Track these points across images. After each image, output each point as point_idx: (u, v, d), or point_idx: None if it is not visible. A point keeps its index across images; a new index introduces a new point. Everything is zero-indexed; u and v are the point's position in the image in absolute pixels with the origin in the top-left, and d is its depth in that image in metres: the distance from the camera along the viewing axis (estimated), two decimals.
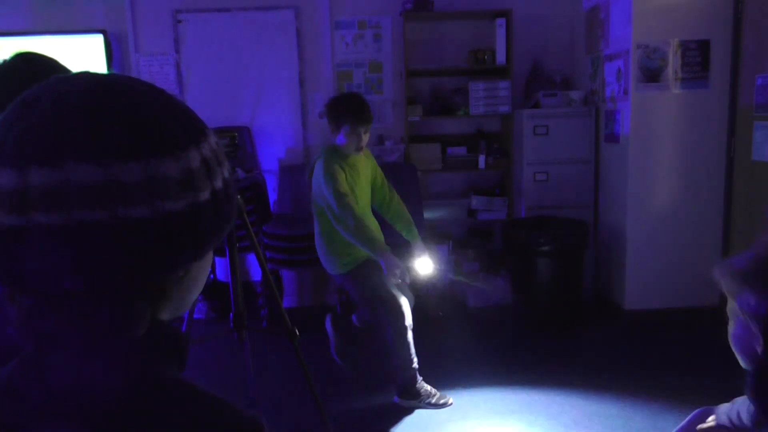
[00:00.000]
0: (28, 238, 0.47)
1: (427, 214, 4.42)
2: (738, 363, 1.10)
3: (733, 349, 1.11)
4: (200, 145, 0.54)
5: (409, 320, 2.78)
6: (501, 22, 4.31)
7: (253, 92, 4.53)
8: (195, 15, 4.44)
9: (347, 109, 2.76)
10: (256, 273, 4.54)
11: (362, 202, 2.86)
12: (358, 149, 2.79)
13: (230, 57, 4.49)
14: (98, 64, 4.17)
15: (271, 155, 4.61)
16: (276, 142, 4.60)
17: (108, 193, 0.47)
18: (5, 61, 1.22)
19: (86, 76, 0.53)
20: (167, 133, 0.51)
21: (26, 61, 1.23)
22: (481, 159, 4.50)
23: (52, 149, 0.47)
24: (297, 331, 2.33)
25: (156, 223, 0.49)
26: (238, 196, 2.18)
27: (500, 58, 4.35)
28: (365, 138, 2.79)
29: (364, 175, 2.92)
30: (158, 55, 4.46)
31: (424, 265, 2.91)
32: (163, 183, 0.49)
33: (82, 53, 4.16)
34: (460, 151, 4.58)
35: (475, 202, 4.55)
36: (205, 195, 0.53)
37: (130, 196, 0.48)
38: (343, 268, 2.86)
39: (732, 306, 1.10)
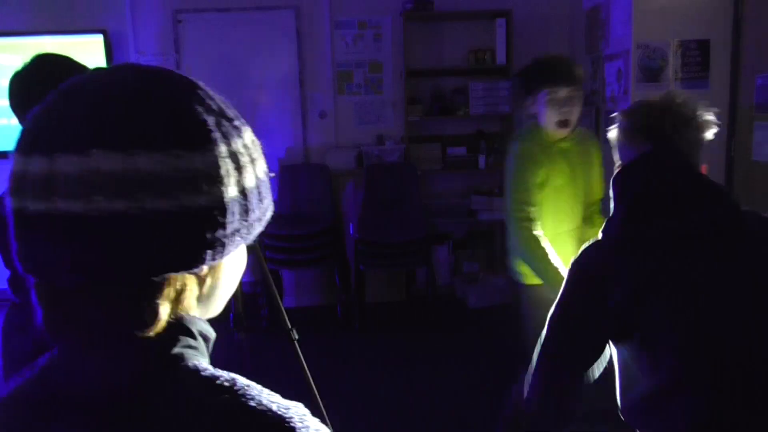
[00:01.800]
0: (49, 226, 0.47)
1: (427, 214, 4.42)
2: None
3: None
4: (232, 141, 0.53)
5: None
6: (501, 22, 4.31)
7: (253, 92, 4.53)
8: (195, 15, 4.44)
9: (544, 68, 2.05)
10: (256, 273, 4.55)
11: (566, 204, 2.17)
12: (563, 125, 2.04)
13: (230, 57, 4.49)
14: (98, 64, 4.17)
15: (271, 155, 4.60)
16: (276, 142, 4.59)
17: (130, 183, 0.46)
18: (26, 65, 1.30)
19: (128, 68, 0.53)
20: (198, 127, 0.51)
21: (43, 62, 1.32)
22: (481, 159, 4.50)
23: (82, 137, 0.47)
24: (297, 331, 2.33)
25: (179, 216, 0.48)
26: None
27: (500, 58, 4.35)
28: (574, 111, 2.03)
29: (576, 168, 2.15)
30: (158, 55, 4.46)
31: None
32: (188, 176, 0.49)
33: (82, 53, 4.16)
34: (460, 151, 4.58)
35: (475, 202, 4.55)
36: (232, 191, 0.52)
37: (153, 186, 0.47)
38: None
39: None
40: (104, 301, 0.50)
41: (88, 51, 4.20)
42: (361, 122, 4.64)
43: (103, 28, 4.32)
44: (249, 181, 0.54)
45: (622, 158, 1.37)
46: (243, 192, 0.53)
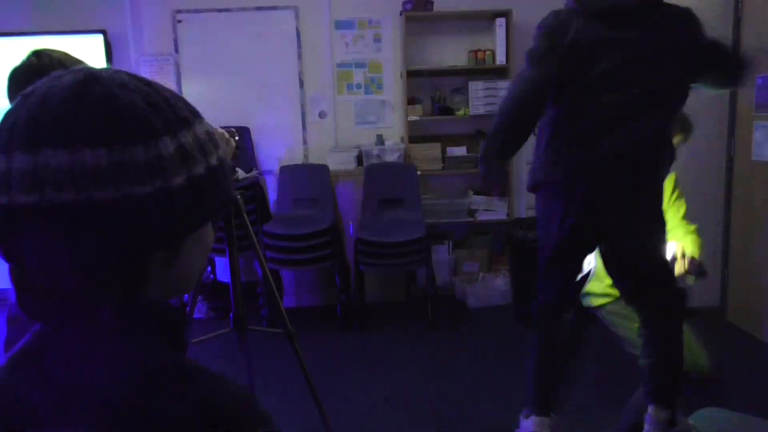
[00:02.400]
0: (12, 218, 0.52)
1: (427, 214, 4.41)
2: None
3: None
4: (179, 134, 0.56)
5: None
6: (501, 22, 4.31)
7: (253, 92, 4.53)
8: (195, 15, 4.44)
9: None
10: (256, 273, 4.54)
11: None
12: None
13: (230, 57, 4.49)
14: (98, 65, 4.17)
15: (271, 155, 4.61)
16: (276, 142, 4.60)
17: (76, 176, 0.51)
18: (24, 61, 1.35)
19: (78, 70, 0.57)
20: (139, 122, 0.54)
21: (40, 58, 1.36)
22: None
23: (33, 136, 0.52)
24: (297, 331, 2.33)
25: (123, 205, 0.52)
26: (238, 195, 2.19)
27: (500, 58, 4.35)
28: None
29: None
30: (158, 55, 4.46)
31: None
32: (129, 168, 0.52)
33: (82, 53, 4.16)
34: (460, 151, 4.57)
35: (475, 202, 4.55)
36: (177, 180, 0.55)
37: (97, 179, 0.51)
38: None
39: None
40: (64, 286, 0.54)
41: (88, 51, 4.20)
42: (361, 122, 4.64)
43: (103, 28, 4.32)
44: (199, 170, 0.57)
45: None
46: (192, 180, 0.56)
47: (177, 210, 0.55)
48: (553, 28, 1.89)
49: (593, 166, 1.92)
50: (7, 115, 0.55)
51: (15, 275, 0.56)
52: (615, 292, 2.32)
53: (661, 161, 1.96)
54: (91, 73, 0.56)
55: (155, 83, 0.59)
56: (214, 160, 0.59)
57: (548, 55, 1.88)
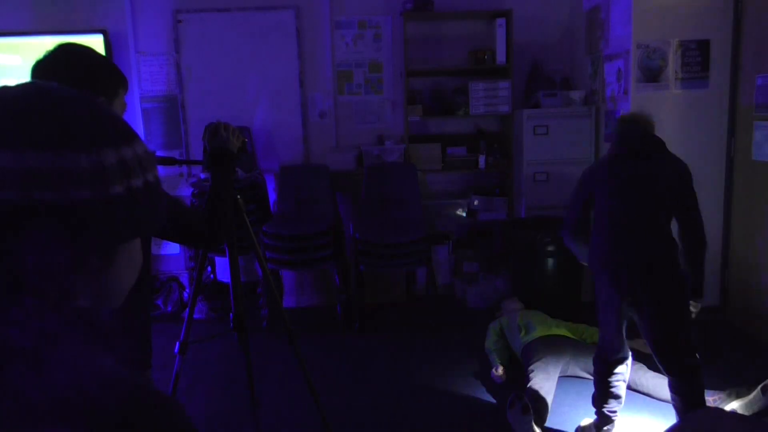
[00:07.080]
0: None
1: (427, 214, 4.42)
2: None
3: None
4: (120, 148, 0.60)
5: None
6: (501, 22, 4.31)
7: (253, 92, 4.53)
8: (195, 15, 4.44)
9: None
10: (256, 273, 4.54)
11: None
12: None
13: (230, 57, 4.49)
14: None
15: (271, 155, 4.61)
16: (276, 142, 4.60)
17: (20, 177, 0.53)
18: (49, 52, 1.35)
19: (29, 83, 0.60)
20: (84, 132, 0.57)
21: (64, 51, 1.37)
22: (481, 159, 4.50)
23: None
24: (297, 331, 2.33)
25: (64, 207, 0.55)
26: (238, 196, 2.19)
27: (500, 58, 4.35)
28: None
29: None
30: (158, 55, 4.46)
31: None
32: (73, 172, 0.55)
33: None
34: (460, 151, 4.58)
35: (475, 202, 4.55)
36: (117, 190, 0.58)
37: (41, 180, 0.54)
38: None
39: None
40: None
41: None
42: (361, 122, 4.64)
43: (103, 28, 4.32)
44: (137, 184, 0.61)
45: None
46: (130, 192, 0.60)
47: (114, 217, 0.59)
48: None
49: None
50: None
51: None
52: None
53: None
54: (42, 85, 0.59)
55: (100, 103, 0.62)
56: (151, 177, 0.63)
57: None
